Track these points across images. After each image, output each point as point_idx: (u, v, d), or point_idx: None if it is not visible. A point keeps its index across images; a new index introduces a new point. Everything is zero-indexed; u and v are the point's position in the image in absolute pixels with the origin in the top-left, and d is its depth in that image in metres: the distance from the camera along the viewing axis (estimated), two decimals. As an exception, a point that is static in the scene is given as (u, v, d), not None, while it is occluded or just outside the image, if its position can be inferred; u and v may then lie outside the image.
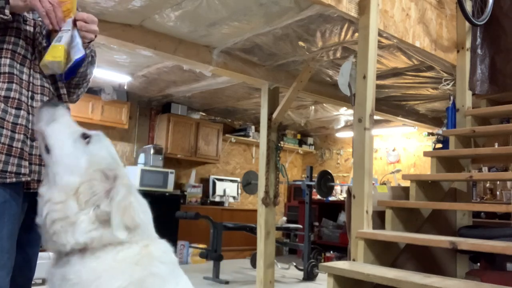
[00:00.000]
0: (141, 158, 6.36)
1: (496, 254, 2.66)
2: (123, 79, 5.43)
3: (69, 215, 1.13)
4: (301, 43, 3.80)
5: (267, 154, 4.39)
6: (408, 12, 3.40)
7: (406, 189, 3.28)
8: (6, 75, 1.26)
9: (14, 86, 1.27)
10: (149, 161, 6.30)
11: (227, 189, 7.36)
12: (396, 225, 2.99)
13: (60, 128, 1.20)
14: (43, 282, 3.58)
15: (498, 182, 5.52)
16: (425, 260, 3.15)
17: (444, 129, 3.83)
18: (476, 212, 4.30)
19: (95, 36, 1.35)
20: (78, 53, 1.22)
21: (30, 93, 1.32)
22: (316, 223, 7.61)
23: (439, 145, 3.86)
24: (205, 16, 3.33)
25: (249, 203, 7.89)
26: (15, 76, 1.28)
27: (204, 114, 7.24)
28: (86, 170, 1.16)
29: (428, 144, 6.90)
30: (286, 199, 8.39)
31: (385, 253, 2.84)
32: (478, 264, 3.43)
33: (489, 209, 3.75)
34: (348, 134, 7.84)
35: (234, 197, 7.45)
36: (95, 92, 6.02)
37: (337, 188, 7.61)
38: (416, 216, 3.14)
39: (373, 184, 2.95)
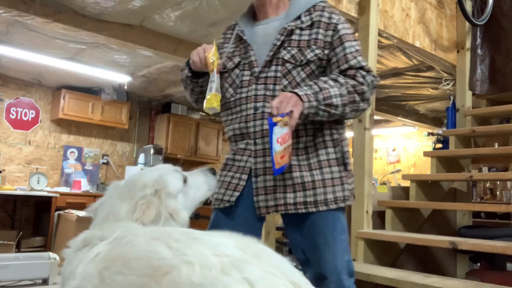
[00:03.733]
0: (141, 158, 6.35)
1: (496, 254, 2.66)
2: (123, 79, 5.43)
3: None
4: (301, 43, 3.79)
5: (267, 154, 4.38)
6: (408, 12, 3.40)
7: (406, 189, 3.28)
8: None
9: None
10: (149, 161, 6.29)
11: (227, 189, 7.34)
12: (396, 225, 2.99)
13: None
14: (44, 282, 3.57)
15: (498, 182, 5.52)
16: (425, 260, 3.15)
17: (444, 129, 3.83)
18: (476, 212, 4.30)
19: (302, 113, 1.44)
20: (275, 165, 1.43)
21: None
22: (316, 223, 7.59)
23: (439, 145, 3.86)
24: (205, 16, 3.33)
25: (249, 203, 7.88)
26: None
27: (204, 114, 7.23)
28: None
29: (428, 144, 6.90)
30: (286, 199, 8.37)
31: (385, 253, 2.84)
32: (478, 264, 3.42)
33: (489, 209, 3.75)
34: (348, 134, 7.81)
35: (234, 197, 7.43)
36: (95, 92, 6.01)
37: (337, 188, 7.59)
38: (416, 216, 3.14)
39: (373, 184, 2.95)
